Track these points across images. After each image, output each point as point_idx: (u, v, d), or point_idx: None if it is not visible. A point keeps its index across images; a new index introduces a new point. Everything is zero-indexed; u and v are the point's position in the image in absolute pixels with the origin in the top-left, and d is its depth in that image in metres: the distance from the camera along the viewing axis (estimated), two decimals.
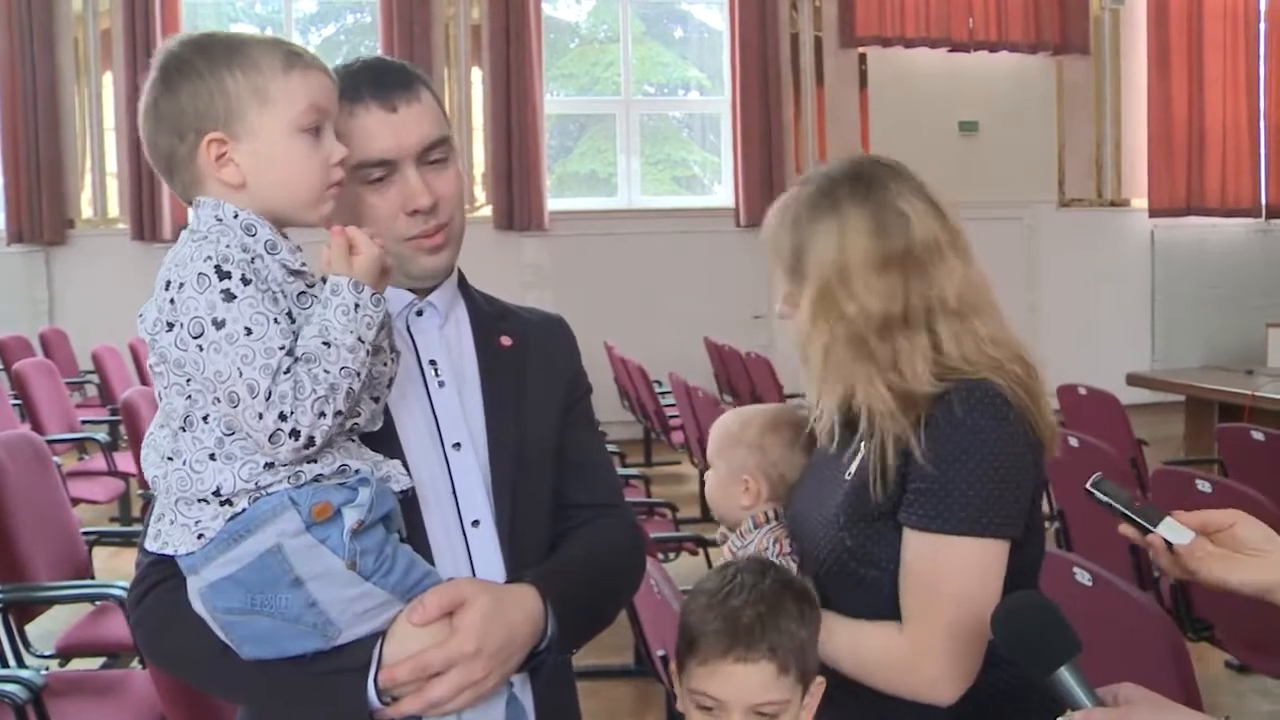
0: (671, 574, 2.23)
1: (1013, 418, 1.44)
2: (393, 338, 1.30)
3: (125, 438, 5.32)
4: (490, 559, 1.38)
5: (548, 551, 1.42)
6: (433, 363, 1.43)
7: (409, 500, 1.32)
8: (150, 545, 1.23)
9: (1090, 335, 9.00)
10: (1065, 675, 1.18)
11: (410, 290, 1.43)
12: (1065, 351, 8.51)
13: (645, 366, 6.45)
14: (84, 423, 5.86)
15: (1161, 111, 9.23)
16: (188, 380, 1.18)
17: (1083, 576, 2.24)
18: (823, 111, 8.86)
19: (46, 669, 2.86)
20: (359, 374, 1.18)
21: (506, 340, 1.48)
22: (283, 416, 1.14)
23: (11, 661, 2.91)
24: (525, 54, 8.31)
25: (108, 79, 8.13)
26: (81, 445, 5.96)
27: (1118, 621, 2.14)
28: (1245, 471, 3.87)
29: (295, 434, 1.15)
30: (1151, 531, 1.26)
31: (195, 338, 1.14)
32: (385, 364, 1.29)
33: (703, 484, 5.67)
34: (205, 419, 1.18)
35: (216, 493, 1.17)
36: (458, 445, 1.40)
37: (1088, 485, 1.29)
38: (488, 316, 1.50)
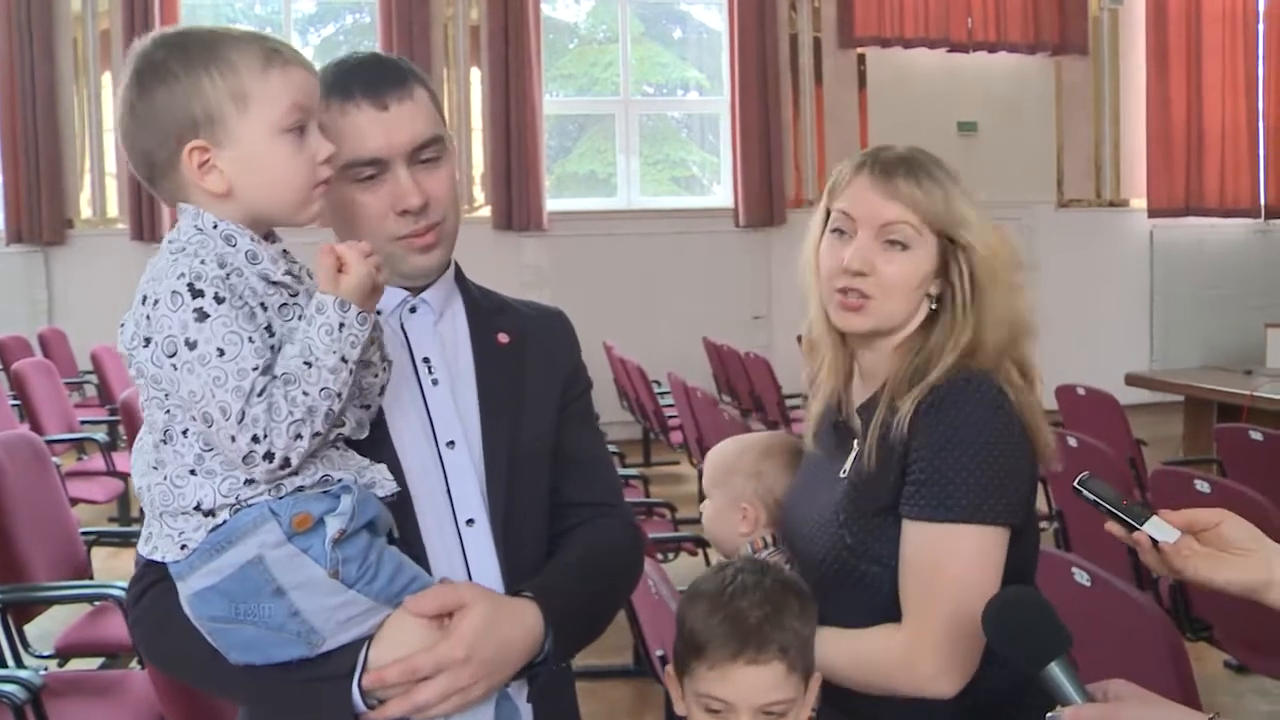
0: (670, 574, 2.23)
1: (1009, 409, 1.45)
2: (385, 349, 1.29)
3: (124, 438, 5.32)
4: (485, 558, 1.37)
5: (544, 550, 1.41)
6: (426, 360, 1.41)
7: (402, 499, 1.31)
8: (142, 550, 1.23)
9: (1089, 335, 9.00)
10: (1056, 671, 1.18)
11: (404, 288, 1.42)
12: (1064, 352, 8.51)
13: (644, 367, 6.45)
14: (83, 423, 5.85)
15: (1160, 112, 9.24)
16: (166, 395, 1.17)
17: (1081, 577, 2.24)
18: (822, 112, 8.86)
19: (45, 669, 2.86)
20: (340, 395, 1.16)
21: (503, 337, 1.46)
22: (256, 439, 1.13)
23: (10, 662, 2.91)
24: (524, 54, 8.30)
25: (107, 79, 8.12)
26: (80, 445, 5.96)
27: (1116, 622, 2.15)
28: (1244, 472, 3.88)
29: (269, 456, 1.14)
30: (1138, 529, 1.26)
31: (169, 356, 1.14)
32: (376, 375, 1.28)
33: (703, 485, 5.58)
34: (184, 433, 1.18)
35: (198, 507, 1.17)
36: (451, 444, 1.39)
37: (1075, 483, 1.30)
38: (485, 312, 1.48)
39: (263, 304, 1.19)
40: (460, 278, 1.50)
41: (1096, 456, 3.64)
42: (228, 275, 1.16)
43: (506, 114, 8.31)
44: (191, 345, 1.13)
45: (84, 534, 3.45)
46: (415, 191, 1.36)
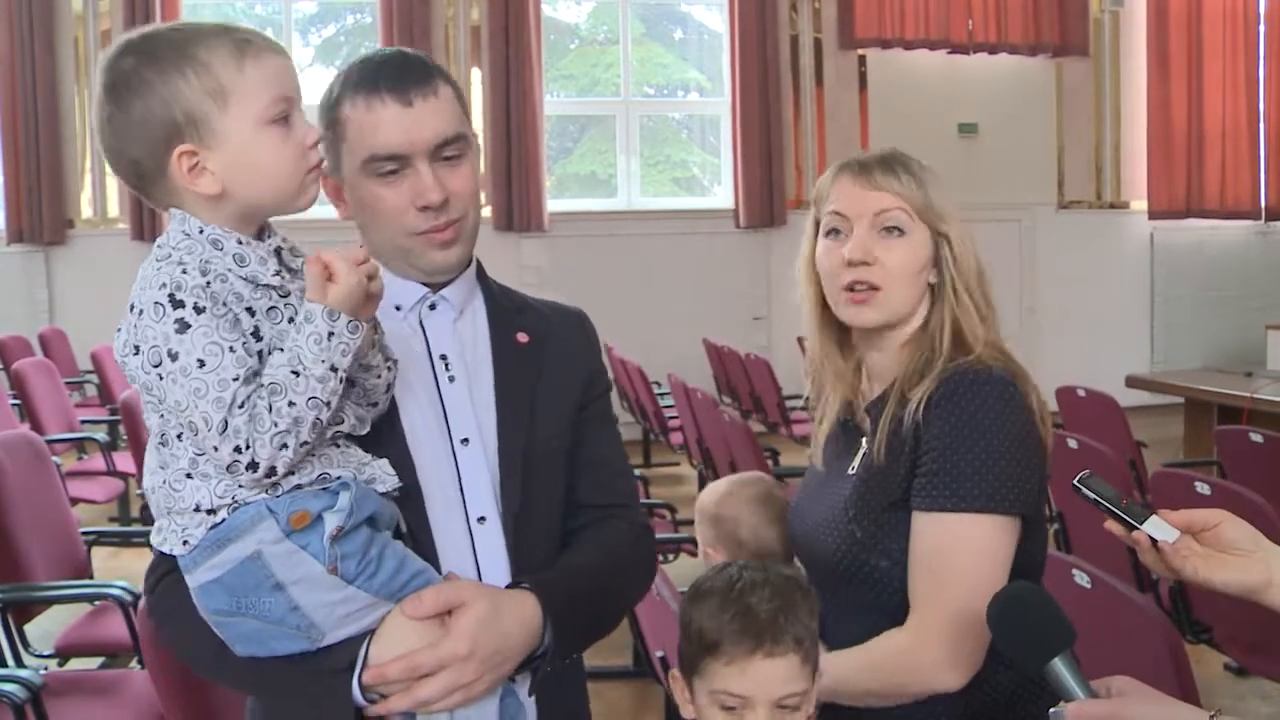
0: (671, 575, 2.23)
1: (1020, 400, 1.46)
2: (387, 350, 1.29)
3: (124, 437, 5.31)
4: (495, 556, 1.37)
5: (556, 549, 1.41)
6: (444, 358, 1.42)
7: (413, 495, 1.32)
8: (154, 541, 1.25)
9: (1089, 337, 9.00)
10: (1059, 666, 1.18)
11: (424, 284, 1.43)
12: (1064, 353, 8.53)
13: (644, 367, 6.45)
14: (83, 422, 5.86)
15: (1161, 113, 9.24)
16: (159, 401, 1.18)
17: (1082, 579, 2.24)
18: (822, 113, 8.86)
19: (45, 669, 2.85)
20: (329, 404, 1.16)
21: (523, 337, 1.47)
22: (239, 449, 1.14)
23: (10, 661, 2.91)
24: (525, 55, 8.30)
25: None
26: (81, 445, 5.96)
27: (1117, 624, 2.15)
28: (1244, 473, 3.87)
29: (254, 466, 1.15)
30: (1137, 528, 1.26)
31: (155, 366, 1.15)
32: (379, 375, 1.29)
33: (701, 486, 5.64)
34: (179, 437, 1.20)
35: (197, 509, 1.19)
36: (466, 441, 1.39)
37: (1075, 481, 1.30)
38: (505, 311, 1.49)
39: (249, 308, 1.19)
40: (482, 276, 1.51)
41: (1097, 458, 3.64)
42: (208, 283, 1.16)
43: (507, 115, 8.31)
44: (174, 356, 1.14)
45: (84, 534, 3.45)
46: (436, 188, 1.37)
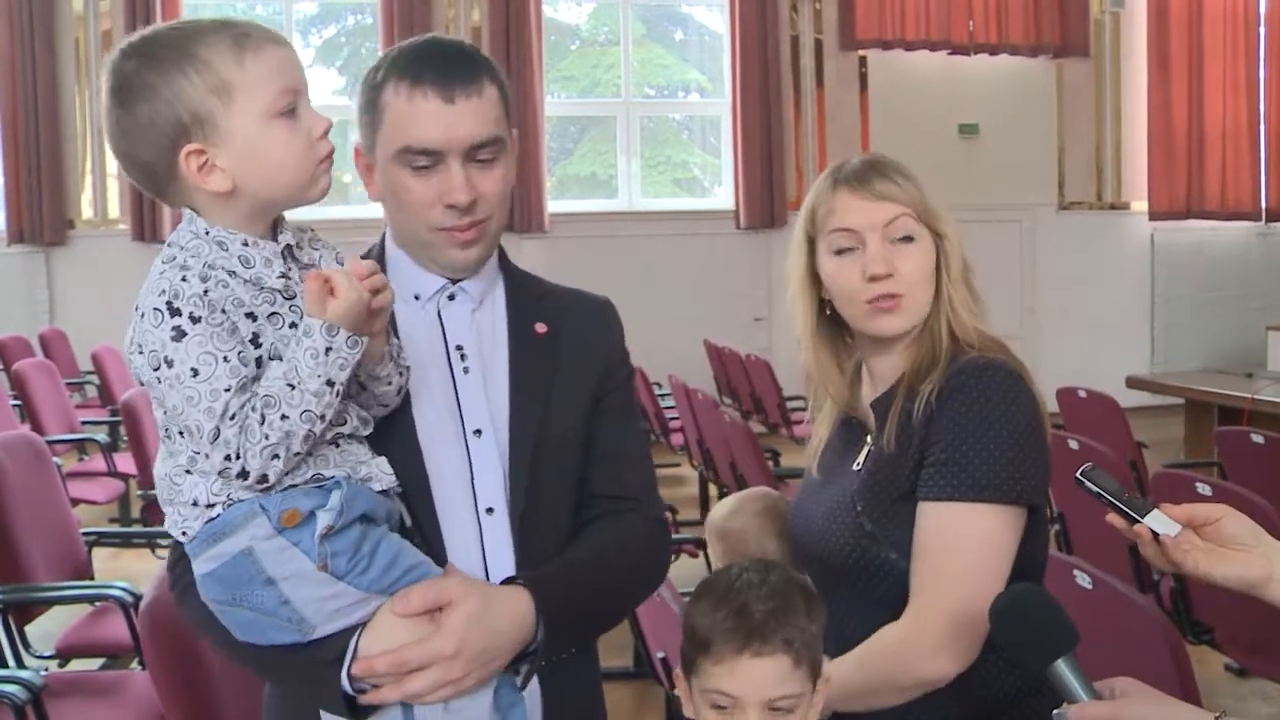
0: (671, 577, 2.22)
1: (1025, 393, 1.47)
2: (400, 359, 1.30)
3: (125, 438, 5.31)
4: (502, 547, 1.38)
5: (564, 542, 1.41)
6: (459, 348, 1.42)
7: (421, 486, 1.34)
8: (166, 524, 1.27)
9: (1090, 338, 9.00)
10: (1063, 668, 1.19)
11: (444, 276, 1.43)
12: (1065, 354, 8.53)
13: (645, 368, 6.44)
14: (84, 423, 5.86)
15: (1162, 114, 9.24)
16: (160, 401, 1.21)
17: (1083, 579, 2.24)
18: (823, 114, 8.86)
19: (46, 670, 2.86)
20: (323, 417, 1.17)
21: (541, 327, 1.46)
22: (229, 458, 1.16)
23: (11, 662, 2.91)
24: (526, 56, 8.31)
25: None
26: (81, 446, 5.96)
27: (1118, 624, 2.15)
28: (1245, 474, 3.87)
29: (244, 474, 1.17)
30: (1139, 521, 1.26)
31: (154, 370, 1.17)
32: (390, 382, 1.30)
33: (702, 486, 5.61)
34: (181, 433, 1.21)
35: (194, 503, 1.21)
36: (478, 432, 1.39)
37: (1078, 474, 1.30)
38: (526, 300, 1.48)
39: (251, 313, 1.19)
40: (505, 264, 1.50)
41: (1097, 459, 3.64)
42: (206, 291, 1.17)
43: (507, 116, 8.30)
44: (170, 363, 1.16)
45: (85, 534, 3.45)
46: (465, 189, 1.36)
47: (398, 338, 1.34)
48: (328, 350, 1.16)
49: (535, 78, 8.35)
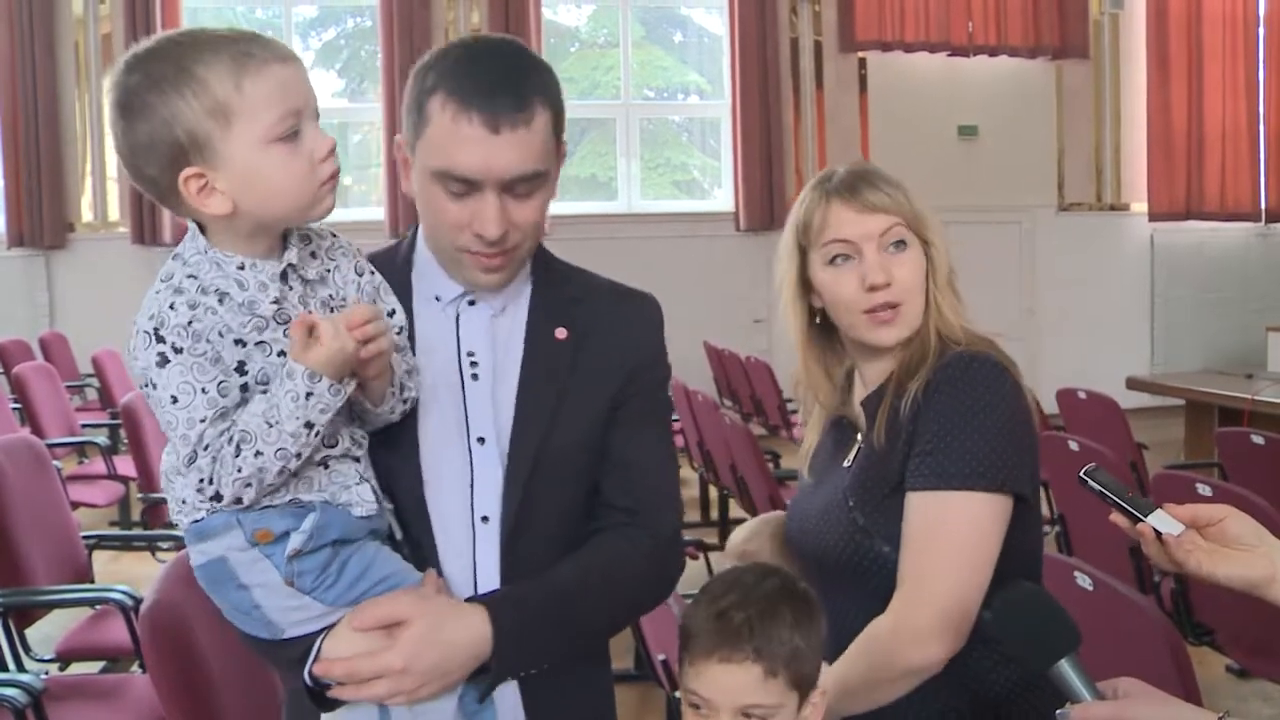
0: None
1: (1012, 383, 1.48)
2: (406, 389, 1.31)
3: (125, 441, 5.31)
4: (492, 557, 1.38)
5: (561, 553, 1.38)
6: (470, 354, 1.41)
7: (418, 495, 1.35)
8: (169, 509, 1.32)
9: (1090, 339, 9.00)
10: (1065, 668, 1.19)
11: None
12: (1065, 355, 8.54)
13: None
14: (84, 426, 5.86)
15: (1161, 115, 9.24)
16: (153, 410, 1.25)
17: (1083, 580, 2.24)
18: (822, 116, 8.86)
19: (46, 673, 2.86)
20: (299, 455, 1.19)
21: (561, 332, 1.43)
22: (203, 482, 1.19)
23: (11, 665, 2.91)
24: None
25: (108, 83, 8.11)
26: (81, 449, 5.95)
27: (1118, 626, 2.14)
28: (1245, 475, 3.87)
29: (218, 497, 1.20)
30: (1142, 520, 1.26)
31: (143, 386, 1.21)
32: (393, 411, 1.31)
33: (703, 488, 5.61)
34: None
35: (184, 502, 1.24)
36: (482, 440, 1.39)
37: (1081, 474, 1.30)
38: (553, 304, 1.45)
39: (239, 340, 1.20)
40: (539, 264, 1.47)
41: (1098, 460, 3.61)
42: (190, 322, 1.18)
43: None
44: (154, 386, 1.19)
45: (85, 538, 3.44)
46: (497, 222, 1.32)
47: (414, 353, 1.35)
48: (308, 395, 1.16)
49: None
